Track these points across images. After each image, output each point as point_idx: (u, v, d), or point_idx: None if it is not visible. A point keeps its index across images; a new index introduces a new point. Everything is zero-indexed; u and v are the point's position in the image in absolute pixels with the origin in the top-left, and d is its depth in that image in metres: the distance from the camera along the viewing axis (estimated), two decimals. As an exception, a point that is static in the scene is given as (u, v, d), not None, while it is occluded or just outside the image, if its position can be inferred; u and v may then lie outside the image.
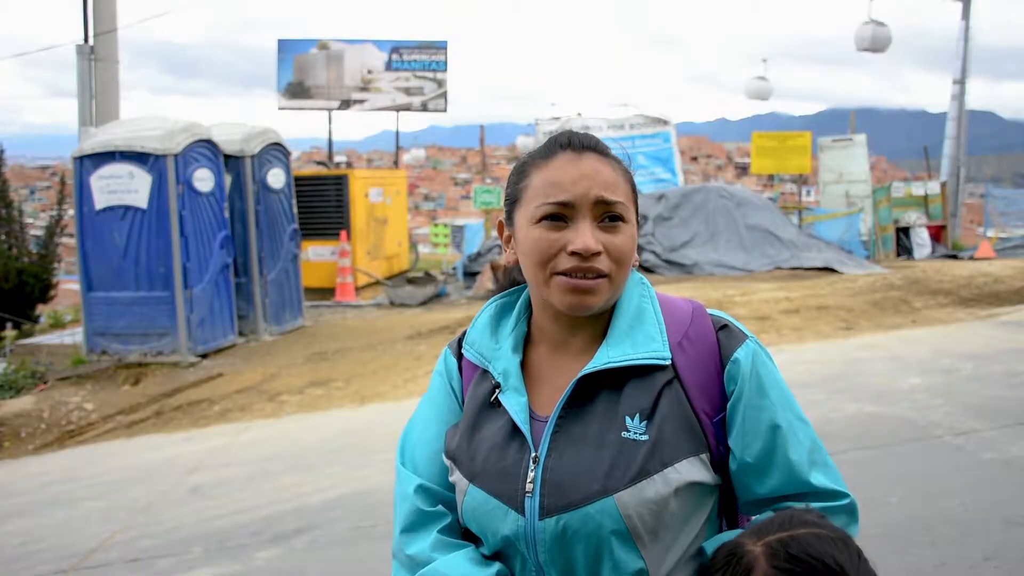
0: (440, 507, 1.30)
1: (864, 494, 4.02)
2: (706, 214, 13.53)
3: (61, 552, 4.17)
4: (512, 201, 1.29)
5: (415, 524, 1.30)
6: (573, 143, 1.25)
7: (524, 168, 1.28)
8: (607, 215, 1.21)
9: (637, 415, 1.20)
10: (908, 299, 9.51)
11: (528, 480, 1.20)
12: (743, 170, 79.82)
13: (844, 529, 1.20)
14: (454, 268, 14.69)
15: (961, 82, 17.89)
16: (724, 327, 1.27)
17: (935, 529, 3.57)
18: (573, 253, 1.19)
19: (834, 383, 6.02)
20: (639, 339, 1.24)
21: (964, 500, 3.87)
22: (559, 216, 1.21)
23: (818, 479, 1.23)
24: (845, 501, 1.24)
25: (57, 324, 11.32)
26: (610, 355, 1.22)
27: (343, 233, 13.00)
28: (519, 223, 1.27)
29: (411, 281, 13.67)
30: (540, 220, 1.22)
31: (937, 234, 16.56)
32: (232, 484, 5.02)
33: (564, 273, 1.20)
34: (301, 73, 17.77)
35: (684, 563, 1.21)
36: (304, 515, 4.34)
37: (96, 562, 4.00)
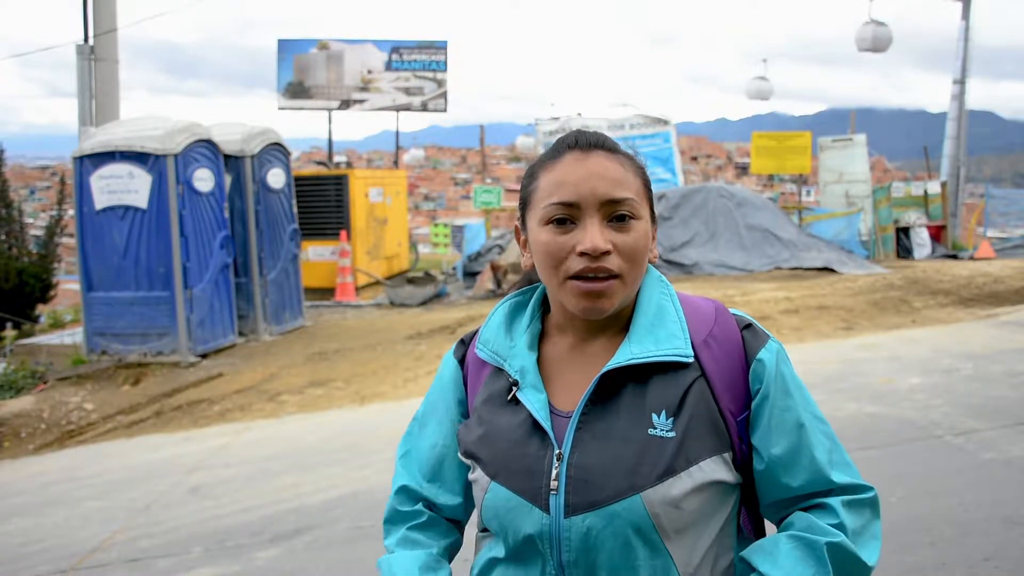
0: (419, 506, 1.39)
1: (864, 494, 4.01)
2: (706, 214, 13.53)
3: (61, 552, 4.17)
4: (523, 204, 1.29)
5: (392, 519, 1.43)
6: (580, 142, 1.24)
7: (534, 170, 1.28)
8: (616, 213, 1.20)
9: (664, 411, 1.19)
10: (908, 299, 9.51)
11: (553, 477, 1.18)
12: (743, 170, 79.85)
13: (868, 522, 1.21)
14: (454, 268, 14.70)
15: (961, 82, 17.88)
16: (748, 326, 1.27)
17: (935, 529, 3.57)
18: (582, 254, 1.18)
19: (834, 383, 6.01)
20: (661, 336, 1.23)
21: (964, 500, 3.87)
22: (566, 216, 1.21)
23: (839, 476, 1.23)
24: (870, 494, 1.24)
25: (57, 324, 11.33)
26: (633, 351, 1.21)
27: (343, 233, 13.01)
28: (530, 226, 1.26)
29: (411, 281, 13.66)
30: (548, 222, 1.22)
31: (937, 234, 16.56)
32: (232, 484, 5.02)
33: (576, 276, 1.20)
34: (301, 73, 17.77)
35: (707, 562, 1.20)
36: (304, 515, 4.34)
37: (96, 562, 4.00)
